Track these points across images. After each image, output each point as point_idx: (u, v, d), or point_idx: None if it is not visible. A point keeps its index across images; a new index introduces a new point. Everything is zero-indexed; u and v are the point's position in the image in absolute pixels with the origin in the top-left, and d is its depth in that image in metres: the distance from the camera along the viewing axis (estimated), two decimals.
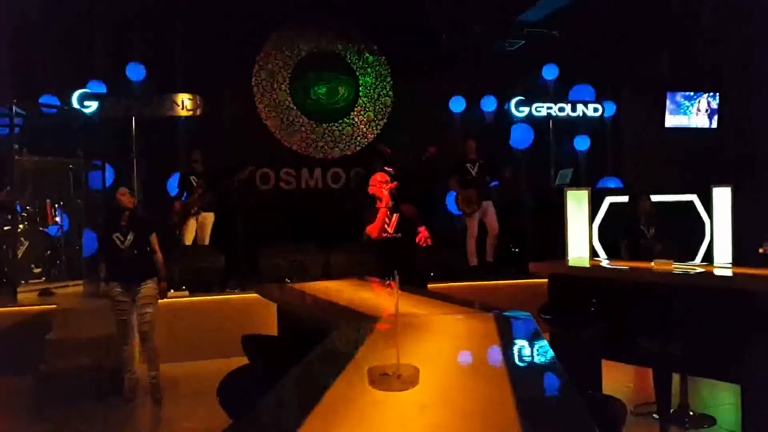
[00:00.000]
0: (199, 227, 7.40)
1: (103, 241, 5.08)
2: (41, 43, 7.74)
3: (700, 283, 4.13)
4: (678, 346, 3.61)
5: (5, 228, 6.93)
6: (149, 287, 5.06)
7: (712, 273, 4.39)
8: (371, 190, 4.92)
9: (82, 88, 7.93)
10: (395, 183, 4.85)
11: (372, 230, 4.81)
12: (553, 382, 1.97)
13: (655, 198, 6.06)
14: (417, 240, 4.78)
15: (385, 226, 4.81)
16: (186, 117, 8.19)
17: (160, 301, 5.19)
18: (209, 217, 7.47)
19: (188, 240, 7.30)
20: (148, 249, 5.09)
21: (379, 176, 4.94)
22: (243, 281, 6.80)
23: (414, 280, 4.41)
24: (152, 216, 6.77)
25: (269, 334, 3.80)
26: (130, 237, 4.99)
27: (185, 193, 7.42)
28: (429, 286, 5.24)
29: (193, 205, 7.29)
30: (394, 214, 4.86)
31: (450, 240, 8.24)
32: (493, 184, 7.93)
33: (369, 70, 9.40)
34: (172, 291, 6.14)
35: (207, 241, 7.44)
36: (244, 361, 3.11)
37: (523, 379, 1.96)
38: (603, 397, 2.24)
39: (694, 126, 9.03)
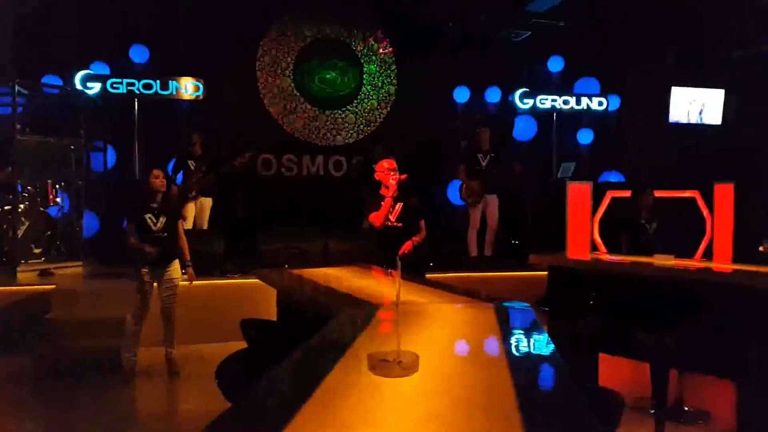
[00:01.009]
0: (198, 212, 7.39)
1: (135, 221, 5.09)
2: (45, 23, 7.69)
3: (700, 279, 4.13)
4: (675, 341, 3.62)
5: (6, 207, 6.93)
6: (175, 269, 5.18)
7: (711, 269, 4.40)
8: (377, 176, 4.88)
9: (85, 69, 7.91)
10: (405, 175, 4.81)
11: (376, 218, 4.78)
12: (553, 372, 1.97)
13: (656, 193, 6.04)
14: (403, 248, 4.78)
15: (388, 215, 4.80)
16: (189, 100, 8.18)
17: (189, 284, 5.33)
18: (207, 202, 7.45)
19: (188, 224, 7.29)
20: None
21: (386, 163, 4.91)
22: (242, 266, 6.81)
23: (412, 270, 4.40)
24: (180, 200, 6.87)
25: (268, 319, 3.80)
26: (162, 219, 5.07)
27: (180, 176, 7.40)
28: (427, 276, 5.22)
29: (190, 190, 7.27)
30: (398, 203, 4.84)
31: (450, 230, 8.23)
32: None
33: (374, 57, 9.35)
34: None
35: (206, 226, 7.43)
36: (242, 345, 3.12)
37: (522, 369, 1.96)
38: (602, 389, 2.24)
39: (698, 122, 9.00)
